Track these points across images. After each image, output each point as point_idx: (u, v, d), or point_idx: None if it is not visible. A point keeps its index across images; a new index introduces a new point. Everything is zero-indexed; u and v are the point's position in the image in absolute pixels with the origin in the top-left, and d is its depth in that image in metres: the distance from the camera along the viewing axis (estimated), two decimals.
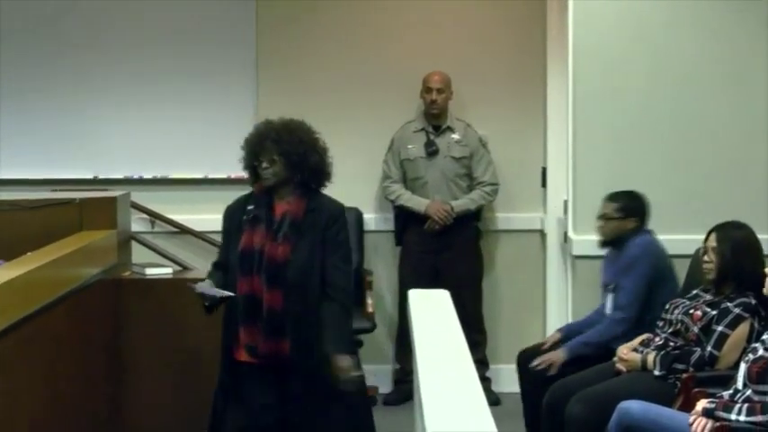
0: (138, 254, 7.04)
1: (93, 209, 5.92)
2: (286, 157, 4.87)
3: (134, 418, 5.93)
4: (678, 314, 5.42)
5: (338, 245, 4.92)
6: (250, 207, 4.97)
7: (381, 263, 7.91)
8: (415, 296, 5.17)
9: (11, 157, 8.14)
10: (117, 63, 8.09)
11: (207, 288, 4.92)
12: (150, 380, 5.94)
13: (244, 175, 5.13)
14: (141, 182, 8.04)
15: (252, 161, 4.96)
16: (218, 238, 7.69)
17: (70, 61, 8.11)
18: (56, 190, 7.10)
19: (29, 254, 5.04)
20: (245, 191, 5.15)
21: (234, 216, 5.03)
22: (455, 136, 7.67)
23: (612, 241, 6.01)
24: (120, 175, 8.08)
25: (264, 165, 4.89)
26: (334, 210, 4.96)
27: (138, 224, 7.63)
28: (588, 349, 5.83)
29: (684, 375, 5.15)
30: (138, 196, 7.38)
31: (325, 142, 5.02)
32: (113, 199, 6.12)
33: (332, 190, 5.06)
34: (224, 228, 5.12)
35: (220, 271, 5.06)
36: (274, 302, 4.82)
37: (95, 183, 7.97)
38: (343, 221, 4.98)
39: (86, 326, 5.36)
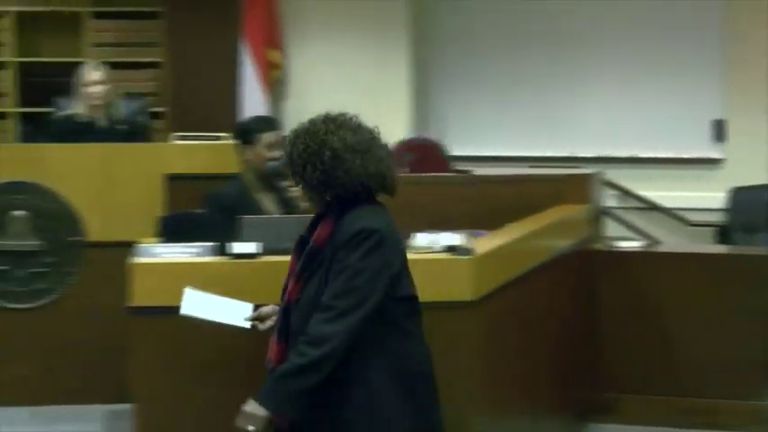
0: (610, 228, 7.06)
1: (569, 185, 6.00)
2: (300, 178, 3.48)
3: (605, 382, 5.97)
4: None
5: (337, 275, 3.34)
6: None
7: None
8: None
9: (493, 136, 8.40)
10: (592, 49, 8.16)
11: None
12: (624, 347, 5.95)
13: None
14: (613, 160, 8.05)
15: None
16: (687, 216, 7.65)
17: (547, 48, 8.25)
18: (534, 166, 7.25)
19: (510, 225, 5.18)
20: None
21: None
22: None
23: None
24: (593, 154, 8.13)
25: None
26: (348, 231, 3.37)
27: (610, 200, 7.65)
28: None
29: None
30: (610, 173, 7.40)
31: (351, 138, 3.44)
32: (588, 176, 6.18)
33: None
34: None
35: None
36: (273, 354, 3.50)
37: (570, 161, 8.06)
38: (356, 246, 3.34)
39: (562, 292, 5.44)
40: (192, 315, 3.87)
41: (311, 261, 3.43)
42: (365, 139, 3.46)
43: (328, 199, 3.46)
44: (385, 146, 3.53)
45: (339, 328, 3.30)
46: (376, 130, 3.54)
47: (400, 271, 3.44)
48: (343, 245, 3.36)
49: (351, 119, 3.51)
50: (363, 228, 3.36)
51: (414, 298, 3.51)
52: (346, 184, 3.41)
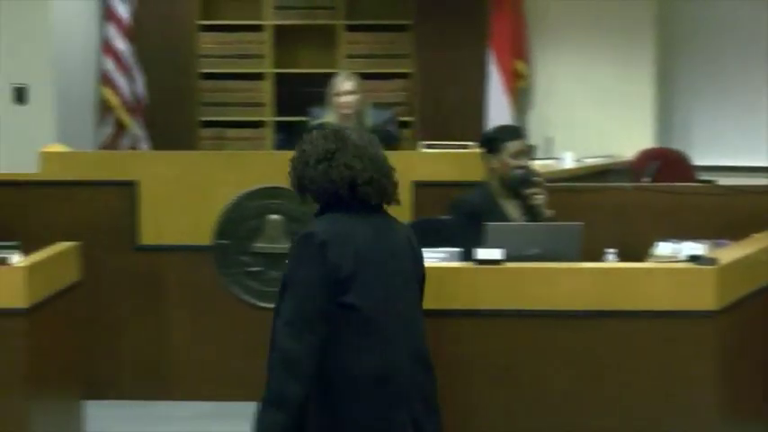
0: None
1: None
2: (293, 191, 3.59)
3: None
4: None
5: (283, 286, 3.41)
6: None
7: None
8: None
9: (737, 146, 8.24)
10: None
11: None
12: None
13: None
14: None
15: None
16: None
17: None
18: None
19: (754, 235, 5.08)
20: None
21: None
22: None
23: None
24: None
25: None
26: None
27: None
28: None
29: None
30: None
31: (321, 146, 3.47)
32: None
33: None
34: None
35: None
36: None
37: None
38: (294, 254, 3.39)
39: None
40: None
41: None
42: (335, 148, 3.46)
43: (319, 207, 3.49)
44: (365, 154, 3.50)
45: (296, 345, 3.29)
46: (365, 137, 3.56)
47: (350, 277, 3.33)
48: (290, 251, 3.41)
49: (332, 129, 3.53)
50: (301, 234, 3.40)
51: (358, 308, 3.34)
52: (314, 192, 3.46)
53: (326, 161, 3.44)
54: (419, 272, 3.59)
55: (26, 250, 4.59)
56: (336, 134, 3.50)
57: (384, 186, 3.51)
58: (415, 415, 3.39)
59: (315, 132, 3.53)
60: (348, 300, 3.33)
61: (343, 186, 3.43)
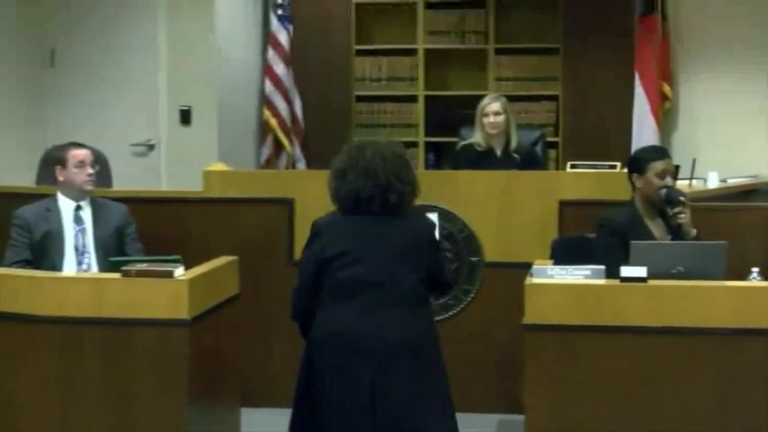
0: None
1: None
2: None
3: None
4: None
5: None
6: None
7: None
8: None
9: None
10: None
11: None
12: None
13: None
14: None
15: None
16: None
17: None
18: None
19: None
20: None
21: None
22: None
23: None
24: None
25: None
26: None
27: None
28: None
29: None
30: None
31: (341, 162, 4.30)
32: None
33: None
34: None
35: None
36: None
37: None
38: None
39: None
40: None
41: None
42: (347, 166, 4.22)
43: None
44: (373, 172, 4.15)
45: (294, 300, 4.33)
46: (382, 150, 4.18)
47: (335, 257, 4.14)
48: None
49: (352, 146, 4.28)
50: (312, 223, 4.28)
51: (340, 281, 4.14)
52: (333, 200, 4.26)
53: (340, 179, 4.21)
54: (416, 272, 4.17)
55: (188, 264, 4.69)
56: (353, 151, 4.23)
57: (386, 199, 4.16)
58: (375, 378, 4.08)
59: (345, 147, 4.29)
60: (335, 275, 4.14)
61: (347, 202, 4.19)
